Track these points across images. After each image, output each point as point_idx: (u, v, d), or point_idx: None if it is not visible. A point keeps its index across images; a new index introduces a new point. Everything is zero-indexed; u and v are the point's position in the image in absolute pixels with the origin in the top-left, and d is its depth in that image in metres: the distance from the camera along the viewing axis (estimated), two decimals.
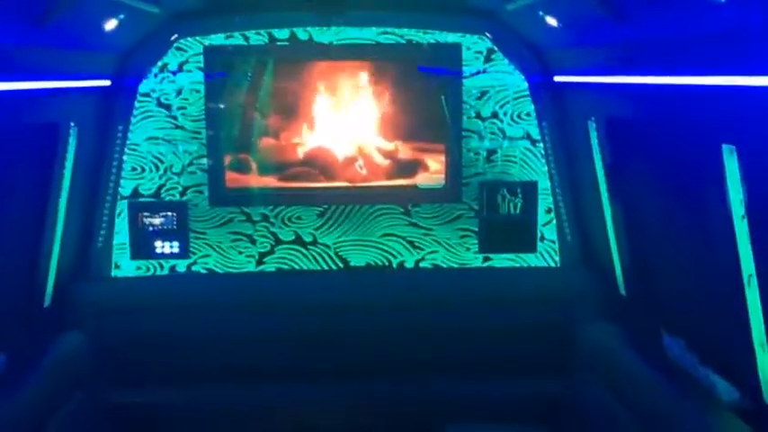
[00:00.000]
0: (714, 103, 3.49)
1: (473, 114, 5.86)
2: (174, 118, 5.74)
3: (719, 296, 3.86)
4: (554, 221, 5.93)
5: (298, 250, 5.89)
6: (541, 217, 5.94)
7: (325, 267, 5.91)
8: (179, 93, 5.72)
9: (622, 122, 4.76)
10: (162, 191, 5.77)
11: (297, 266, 5.90)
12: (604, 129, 5.06)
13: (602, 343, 5.10)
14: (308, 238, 5.90)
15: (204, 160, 5.77)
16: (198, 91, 5.72)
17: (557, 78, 5.68)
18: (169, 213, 5.76)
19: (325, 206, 5.89)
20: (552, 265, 5.95)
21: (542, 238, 5.95)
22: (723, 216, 3.66)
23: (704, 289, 4.09)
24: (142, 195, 5.77)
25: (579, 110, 5.41)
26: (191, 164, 5.78)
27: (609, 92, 4.77)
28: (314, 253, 5.91)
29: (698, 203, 4.01)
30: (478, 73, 5.82)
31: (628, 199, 4.99)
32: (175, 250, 5.79)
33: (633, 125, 4.65)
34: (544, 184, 5.92)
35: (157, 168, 5.76)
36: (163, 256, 5.78)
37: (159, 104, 5.72)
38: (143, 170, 5.74)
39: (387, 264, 5.94)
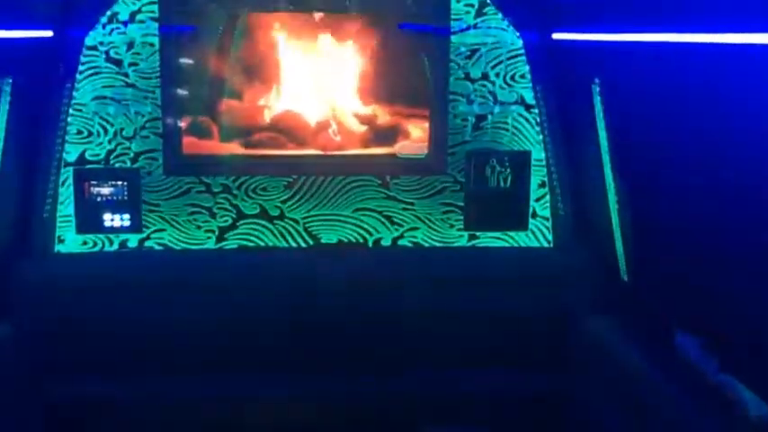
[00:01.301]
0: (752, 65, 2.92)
1: (461, 76, 5.26)
2: (125, 75, 5.09)
3: (749, 289, 3.31)
4: (548, 197, 5.36)
5: (263, 225, 5.30)
6: (534, 192, 5.36)
7: (294, 244, 5.32)
8: (131, 46, 5.07)
9: (632, 87, 4.19)
10: (111, 157, 5.14)
11: (262, 243, 5.30)
12: (611, 94, 4.48)
13: (602, 336, 4.54)
14: (275, 212, 5.30)
15: (159, 123, 5.13)
16: (152, 45, 5.07)
17: (555, 36, 5.09)
18: (119, 182, 5.13)
19: (294, 176, 5.27)
20: (545, 245, 5.38)
21: (534, 215, 5.38)
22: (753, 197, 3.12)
23: (730, 280, 3.53)
24: (89, 162, 5.14)
25: (581, 72, 4.83)
26: (143, 127, 5.15)
27: (617, 52, 4.19)
28: (281, 228, 5.31)
29: (725, 181, 3.44)
30: (468, 29, 5.21)
31: (637, 173, 4.41)
32: (126, 224, 5.17)
33: (646, 90, 4.06)
34: (538, 154, 5.34)
35: (106, 132, 5.12)
36: (112, 229, 5.17)
37: (108, 59, 5.07)
38: (90, 134, 5.11)
39: (362, 241, 5.35)
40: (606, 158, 4.70)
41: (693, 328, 3.84)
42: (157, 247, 5.23)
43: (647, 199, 4.39)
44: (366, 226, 5.35)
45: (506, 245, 5.39)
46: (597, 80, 4.61)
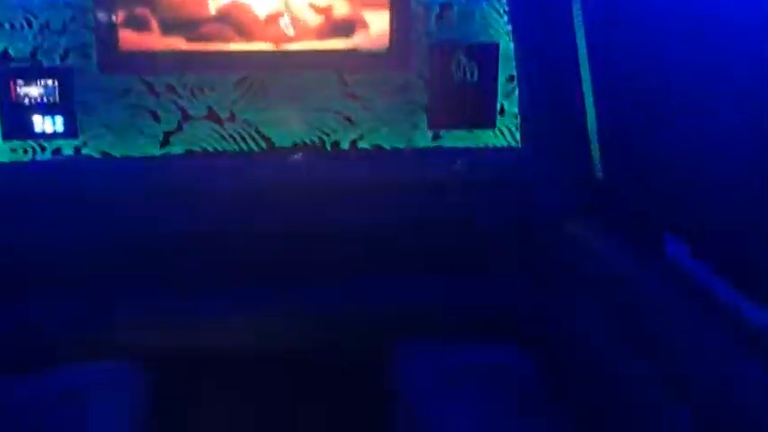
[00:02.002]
0: None
1: None
2: None
3: (745, 189, 3.05)
4: (516, 92, 5.01)
5: (211, 128, 4.86)
6: (503, 86, 5.01)
7: (245, 148, 4.90)
8: None
9: None
10: (38, 53, 4.61)
11: (210, 147, 4.87)
12: None
13: (579, 240, 4.26)
14: (224, 113, 4.86)
15: (90, 15, 4.60)
16: None
17: None
18: (49, 82, 4.61)
19: (244, 73, 4.83)
20: (513, 144, 5.07)
21: (503, 112, 5.04)
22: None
23: (725, 179, 3.25)
24: (13, 59, 4.60)
25: None
26: (73, 19, 4.61)
27: None
28: (231, 131, 4.88)
29: (718, 69, 3.14)
30: None
31: (618, 65, 4.08)
32: (59, 128, 4.68)
33: None
34: (507, 46, 4.97)
35: (31, 25, 4.57)
36: (44, 135, 4.68)
37: None
38: (12, 27, 4.56)
39: (319, 143, 4.96)
40: (583, 51, 4.35)
41: (681, 230, 3.58)
42: (95, 155, 4.76)
43: (629, 94, 4.07)
44: (324, 127, 4.95)
45: (472, 145, 5.06)
46: None
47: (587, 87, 4.40)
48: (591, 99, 4.40)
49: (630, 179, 4.12)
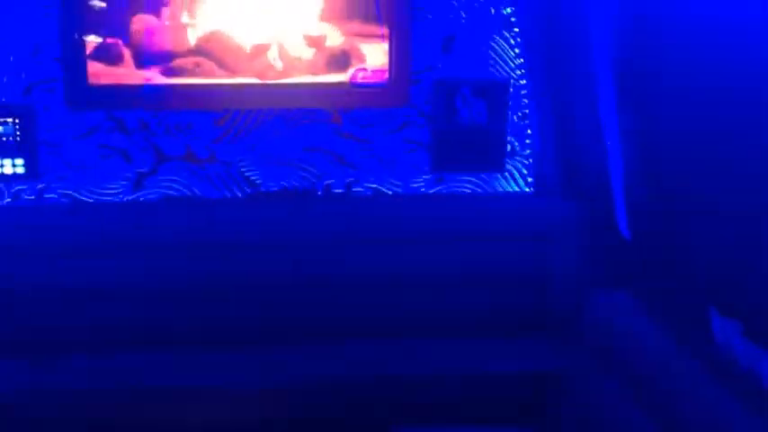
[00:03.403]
0: None
1: None
2: None
3: None
4: (528, 132, 4.55)
5: (189, 169, 4.40)
6: (512, 126, 4.54)
7: (227, 193, 4.44)
8: None
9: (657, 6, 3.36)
10: None
11: (188, 192, 4.41)
12: (624, 11, 3.65)
13: (603, 312, 3.77)
14: (204, 154, 4.39)
15: (57, 45, 4.15)
16: None
17: None
18: (9, 120, 4.17)
19: (227, 110, 4.36)
20: (525, 189, 4.59)
21: (512, 154, 4.57)
22: None
23: None
24: None
25: None
26: (37, 50, 4.16)
27: None
28: (211, 173, 4.41)
29: None
30: None
31: (650, 108, 3.62)
32: (20, 170, 4.23)
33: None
34: (518, 83, 4.51)
35: None
36: (2, 178, 4.22)
37: None
38: None
39: (310, 187, 4.49)
40: (607, 90, 3.89)
41: (731, 306, 3.09)
42: (60, 199, 4.30)
43: (661, 136, 3.61)
44: (315, 169, 4.48)
45: (479, 190, 4.59)
46: None
47: (611, 130, 3.94)
48: (616, 143, 3.94)
49: (665, 241, 3.64)
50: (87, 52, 4.15)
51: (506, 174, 4.59)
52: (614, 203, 4.06)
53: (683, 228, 3.58)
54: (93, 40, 4.13)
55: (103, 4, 4.09)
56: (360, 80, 4.36)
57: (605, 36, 3.82)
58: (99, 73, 4.18)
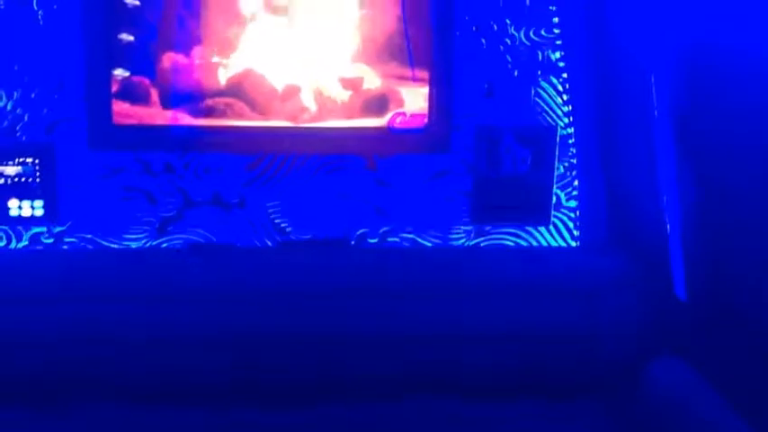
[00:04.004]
0: None
1: (471, 26, 4.14)
2: (34, 15, 3.91)
3: None
4: (576, 183, 4.29)
5: (217, 215, 4.18)
6: (559, 177, 4.28)
7: (256, 241, 4.21)
8: None
9: (718, 50, 3.11)
10: (17, 126, 3.98)
11: (215, 239, 4.18)
12: (683, 57, 3.40)
13: (661, 383, 3.45)
14: (233, 199, 4.18)
15: (80, 82, 3.97)
16: None
17: None
18: (28, 160, 3.98)
19: (258, 154, 4.15)
20: (571, 244, 4.32)
21: (559, 206, 4.31)
22: None
23: None
24: None
25: (635, 24, 3.76)
26: (60, 87, 3.98)
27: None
28: (240, 220, 4.19)
29: None
30: None
31: (712, 160, 3.35)
32: (38, 213, 4.03)
33: (737, 56, 2.99)
34: (566, 130, 4.25)
35: (10, 93, 3.95)
36: (20, 220, 4.02)
37: None
38: None
39: (343, 237, 4.25)
40: (663, 139, 3.63)
41: None
42: (80, 244, 4.10)
43: (724, 190, 3.34)
44: (349, 218, 4.24)
45: (524, 243, 4.33)
46: (659, 38, 3.53)
47: (669, 182, 3.67)
48: (673, 197, 3.67)
49: (725, 304, 3.35)
50: (113, 90, 3.96)
51: (552, 227, 4.32)
52: (670, 261, 3.77)
53: (746, 289, 3.30)
54: (120, 74, 3.94)
55: (131, 38, 3.91)
56: (398, 125, 4.13)
57: (664, 83, 3.56)
58: (125, 112, 4.00)
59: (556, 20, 4.14)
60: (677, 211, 3.69)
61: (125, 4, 3.90)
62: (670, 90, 3.53)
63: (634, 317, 4.03)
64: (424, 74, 4.11)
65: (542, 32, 4.16)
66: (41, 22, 3.90)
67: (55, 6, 3.90)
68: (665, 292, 3.82)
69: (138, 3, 3.90)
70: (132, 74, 3.96)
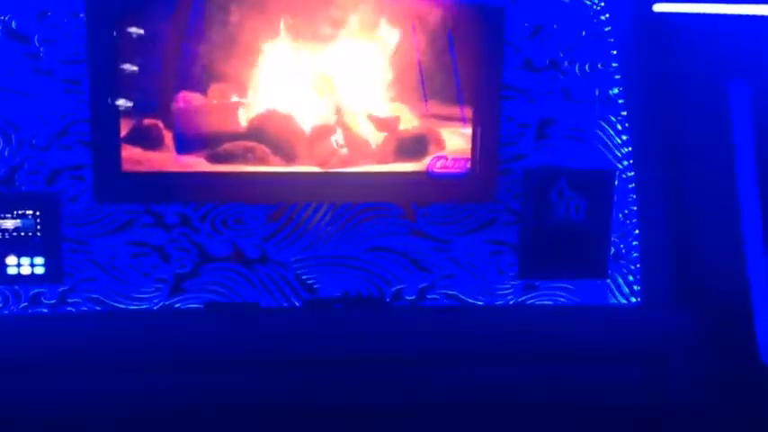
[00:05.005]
0: None
1: (520, 62, 3.79)
2: (36, 56, 3.56)
3: None
4: (637, 233, 3.90)
5: (237, 272, 3.80)
6: (618, 226, 3.91)
7: (280, 300, 3.83)
8: (43, 15, 3.54)
9: None
10: (16, 175, 3.62)
11: (236, 298, 3.81)
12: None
13: None
14: (254, 253, 3.81)
15: (86, 127, 3.61)
16: (75, 14, 3.55)
17: (659, 7, 3.61)
18: (29, 212, 3.62)
19: (281, 203, 3.79)
20: (631, 300, 3.91)
21: (617, 257, 3.90)
22: None
23: None
24: None
25: (702, 62, 3.40)
26: (64, 132, 3.63)
27: None
28: (262, 276, 3.82)
29: None
30: None
31: None
32: (39, 271, 3.66)
33: None
34: (625, 174, 3.88)
35: (9, 139, 3.59)
36: (19, 279, 3.64)
37: (10, 34, 3.53)
38: None
39: (377, 294, 3.87)
40: (747, 188, 3.22)
41: None
42: (85, 306, 3.72)
43: None
44: (384, 273, 3.88)
45: (577, 300, 3.92)
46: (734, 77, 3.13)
47: (752, 232, 3.26)
48: (756, 248, 3.26)
49: None
50: (122, 134, 3.59)
51: (609, 281, 3.93)
52: (753, 320, 3.35)
53: None
54: (122, 103, 3.55)
55: (135, 68, 3.53)
56: (438, 170, 3.77)
57: (747, 119, 3.15)
58: (135, 158, 3.63)
59: (614, 52, 3.75)
60: (761, 263, 3.28)
61: (131, 36, 3.52)
62: (757, 128, 3.13)
63: (705, 381, 3.67)
64: (468, 112, 3.73)
65: (599, 66, 3.78)
66: (42, 62, 3.54)
67: (56, 43, 3.53)
68: (747, 355, 3.42)
69: (141, 32, 3.53)
70: (143, 116, 3.57)
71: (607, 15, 3.74)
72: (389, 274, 3.86)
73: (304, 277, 3.81)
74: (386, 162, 3.76)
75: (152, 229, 3.72)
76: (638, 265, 3.90)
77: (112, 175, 3.62)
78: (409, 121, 3.73)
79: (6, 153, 3.57)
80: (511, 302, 3.91)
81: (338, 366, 3.62)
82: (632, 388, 3.68)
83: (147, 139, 3.63)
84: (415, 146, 3.76)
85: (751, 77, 3.22)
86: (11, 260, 3.60)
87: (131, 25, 3.52)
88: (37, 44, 3.54)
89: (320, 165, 3.72)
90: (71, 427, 3.51)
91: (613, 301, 3.92)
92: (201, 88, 3.62)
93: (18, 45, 3.51)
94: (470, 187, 3.81)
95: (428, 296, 3.88)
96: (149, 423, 3.54)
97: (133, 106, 3.56)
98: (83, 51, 3.55)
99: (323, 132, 3.71)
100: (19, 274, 3.62)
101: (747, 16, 3.23)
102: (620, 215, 3.88)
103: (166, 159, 3.64)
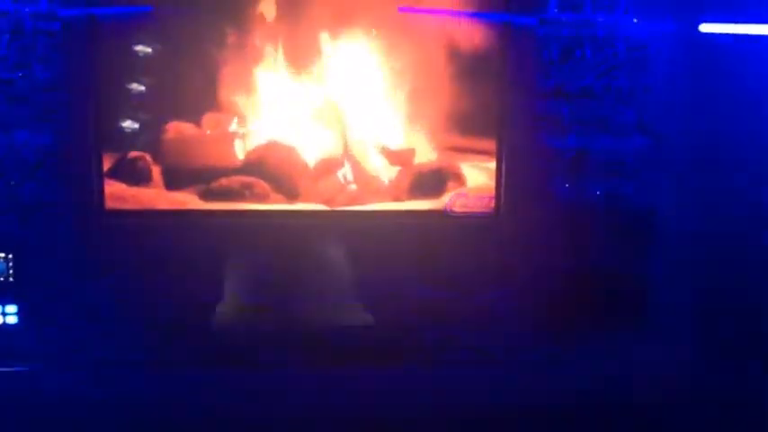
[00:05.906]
0: None
1: (551, 88, 3.51)
2: (8, 83, 3.34)
3: None
4: (681, 278, 3.61)
5: None
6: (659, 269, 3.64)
7: (285, 352, 3.52)
8: (15, 35, 3.32)
9: None
10: None
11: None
12: None
13: None
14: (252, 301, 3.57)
15: (65, 159, 3.39)
16: (50, 34, 3.33)
17: (705, 28, 3.36)
18: (0, 255, 3.39)
19: (285, 245, 3.50)
20: (676, 356, 3.58)
21: (658, 306, 3.61)
22: None
23: None
24: None
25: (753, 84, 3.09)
26: (38, 166, 3.39)
27: None
28: (263, 327, 3.54)
29: None
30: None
31: None
32: (11, 320, 3.42)
33: None
34: (667, 211, 3.59)
35: None
36: None
37: None
38: None
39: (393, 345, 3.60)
40: None
41: None
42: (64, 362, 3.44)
43: None
44: (397, 322, 3.57)
45: (612, 356, 3.59)
46: None
47: None
48: None
49: None
50: (105, 168, 3.36)
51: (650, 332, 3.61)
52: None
53: None
54: (112, 152, 3.25)
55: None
56: (458, 208, 3.44)
57: None
58: (119, 195, 3.40)
59: (654, 84, 3.46)
60: None
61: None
62: None
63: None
64: (491, 144, 3.46)
65: (640, 92, 3.49)
66: (16, 88, 3.34)
67: (29, 67, 3.29)
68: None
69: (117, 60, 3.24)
70: (128, 148, 3.28)
71: (647, 35, 3.45)
72: (404, 324, 3.54)
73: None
74: (400, 200, 3.50)
75: (138, 276, 3.43)
76: (680, 316, 3.57)
77: (94, 213, 3.39)
78: (426, 154, 3.48)
79: None
80: (539, 357, 3.59)
81: (345, 421, 3.30)
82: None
83: (134, 174, 3.38)
84: (432, 182, 3.51)
85: None
86: None
87: (108, 52, 3.25)
88: (9, 69, 3.33)
89: (326, 203, 3.47)
90: None
91: (656, 359, 3.58)
92: (194, 117, 3.36)
93: None
94: (495, 228, 3.55)
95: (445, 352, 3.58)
96: None
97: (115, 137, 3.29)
98: (59, 79, 3.30)
99: (329, 166, 3.47)
100: None
101: None
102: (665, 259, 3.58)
103: (154, 196, 3.39)
